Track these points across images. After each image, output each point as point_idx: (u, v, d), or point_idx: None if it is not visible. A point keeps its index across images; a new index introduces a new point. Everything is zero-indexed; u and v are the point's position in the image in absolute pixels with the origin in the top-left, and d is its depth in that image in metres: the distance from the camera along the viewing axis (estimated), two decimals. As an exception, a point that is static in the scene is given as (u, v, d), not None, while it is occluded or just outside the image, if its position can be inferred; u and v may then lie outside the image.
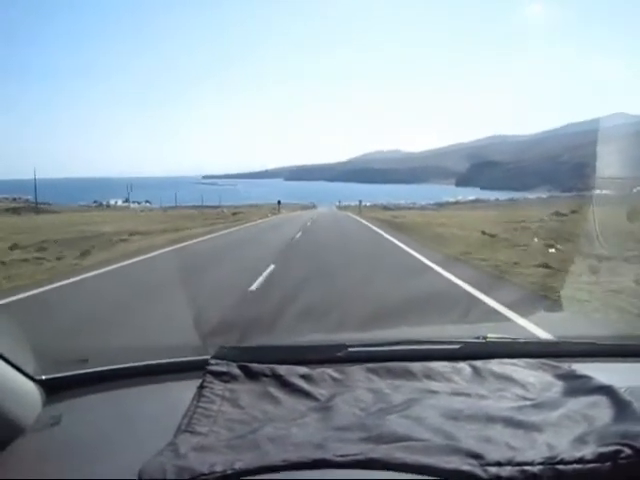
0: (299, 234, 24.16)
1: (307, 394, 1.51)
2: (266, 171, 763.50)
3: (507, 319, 7.24)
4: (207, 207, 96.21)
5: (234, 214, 57.96)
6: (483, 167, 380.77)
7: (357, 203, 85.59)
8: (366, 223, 36.46)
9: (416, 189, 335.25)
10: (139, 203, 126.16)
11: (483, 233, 21.31)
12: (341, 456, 1.07)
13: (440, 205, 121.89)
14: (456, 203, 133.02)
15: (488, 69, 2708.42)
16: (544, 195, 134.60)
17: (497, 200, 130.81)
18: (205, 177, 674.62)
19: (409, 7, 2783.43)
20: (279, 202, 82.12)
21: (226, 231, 29.12)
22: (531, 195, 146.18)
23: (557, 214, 32.26)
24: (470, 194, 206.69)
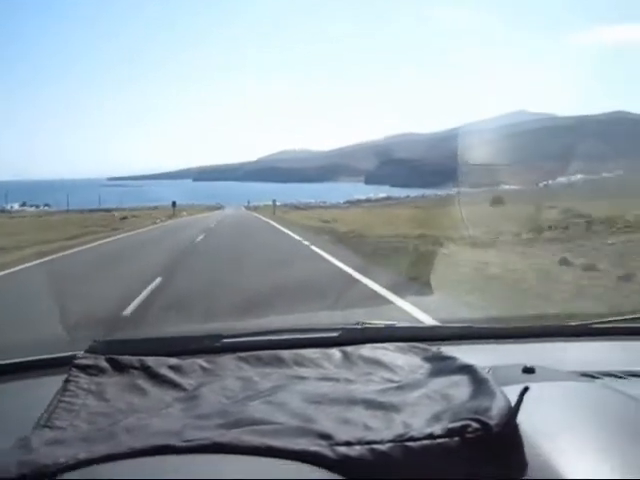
0: (154, 284, 11.04)
1: (175, 385, 1.50)
2: (174, 172, 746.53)
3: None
4: (101, 210, 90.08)
5: (123, 218, 51.91)
6: (391, 164, 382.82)
7: (268, 203, 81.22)
8: (293, 236, 25.01)
9: (326, 187, 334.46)
10: (37, 207, 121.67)
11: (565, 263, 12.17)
12: (187, 441, 1.07)
13: (351, 203, 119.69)
14: (367, 201, 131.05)
15: (396, 67, 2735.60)
16: (453, 191, 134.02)
17: (408, 197, 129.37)
18: (111, 179, 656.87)
19: (319, 4, 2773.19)
20: (174, 204, 71.23)
21: (69, 252, 20.59)
22: (441, 192, 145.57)
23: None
24: (380, 191, 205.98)
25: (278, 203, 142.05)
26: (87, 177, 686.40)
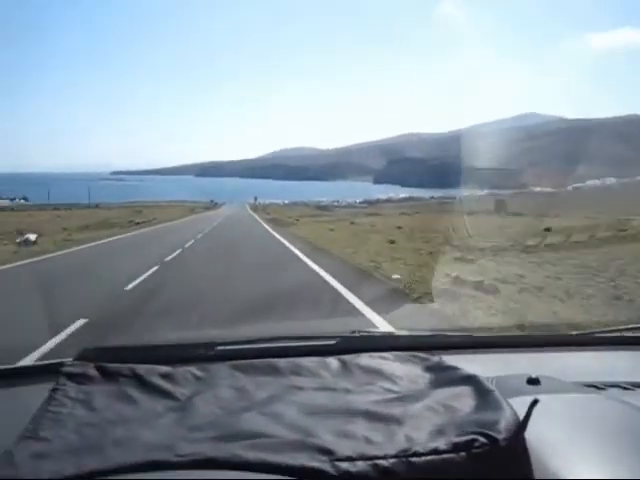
0: None
1: (167, 394, 1.43)
2: (177, 167, 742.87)
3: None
4: (79, 206, 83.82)
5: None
6: (401, 164, 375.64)
7: (279, 202, 63.12)
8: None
9: (334, 186, 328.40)
10: (11, 200, 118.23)
11: None
12: (180, 456, 1.04)
13: (371, 203, 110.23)
14: (387, 201, 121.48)
15: (401, 67, 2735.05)
16: (481, 192, 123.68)
17: (432, 198, 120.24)
18: (113, 173, 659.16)
19: (331, 4, 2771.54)
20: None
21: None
22: (465, 192, 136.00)
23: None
24: (390, 191, 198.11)
25: (286, 201, 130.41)
26: (93, 171, 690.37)
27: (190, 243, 21.96)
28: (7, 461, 1.06)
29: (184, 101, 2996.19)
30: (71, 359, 1.58)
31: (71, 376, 1.46)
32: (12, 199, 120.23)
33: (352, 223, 36.40)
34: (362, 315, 7.18)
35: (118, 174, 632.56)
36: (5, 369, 1.73)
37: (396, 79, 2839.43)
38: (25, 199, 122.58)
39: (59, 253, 19.04)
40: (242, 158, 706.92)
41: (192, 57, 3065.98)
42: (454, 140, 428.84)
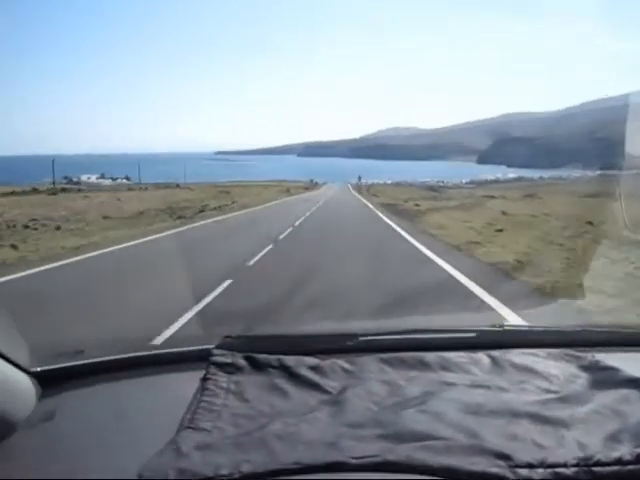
0: None
1: (317, 386, 1.41)
2: (279, 147, 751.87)
3: None
4: (159, 185, 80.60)
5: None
6: (507, 144, 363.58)
7: (381, 181, 56.72)
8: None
9: (437, 166, 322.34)
10: (114, 179, 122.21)
11: None
12: (357, 458, 1.01)
13: (478, 184, 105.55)
14: (495, 182, 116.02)
15: (503, 45, 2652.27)
16: (592, 173, 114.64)
17: (541, 178, 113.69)
18: (218, 153, 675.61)
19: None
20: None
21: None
22: (576, 173, 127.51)
23: None
24: (495, 172, 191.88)
25: (389, 181, 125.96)
26: (198, 151, 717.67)
27: (252, 262, 11.09)
28: (175, 451, 1.07)
29: (294, 83, 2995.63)
30: (213, 346, 1.60)
31: (220, 365, 1.48)
32: (114, 179, 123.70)
33: (504, 213, 24.99)
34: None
35: (223, 154, 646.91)
36: (152, 355, 1.76)
37: (500, 57, 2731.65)
38: (127, 178, 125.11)
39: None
40: (343, 138, 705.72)
41: (287, 44, 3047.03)
42: (560, 120, 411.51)
